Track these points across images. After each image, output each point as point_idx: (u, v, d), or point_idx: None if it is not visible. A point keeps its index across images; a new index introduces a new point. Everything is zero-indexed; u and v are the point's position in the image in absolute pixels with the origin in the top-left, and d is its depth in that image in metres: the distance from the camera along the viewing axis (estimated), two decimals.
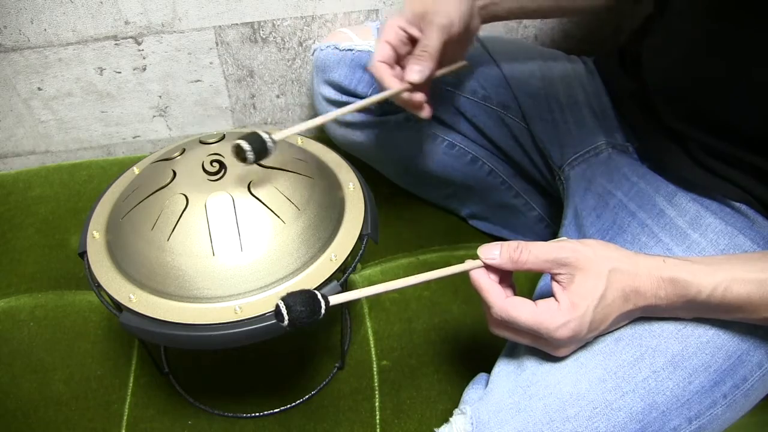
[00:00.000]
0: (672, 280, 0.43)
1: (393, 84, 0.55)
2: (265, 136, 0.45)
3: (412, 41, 0.56)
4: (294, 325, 0.39)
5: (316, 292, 0.40)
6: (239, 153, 0.45)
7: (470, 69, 0.63)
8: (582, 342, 0.45)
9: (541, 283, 0.57)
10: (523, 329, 0.43)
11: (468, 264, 0.45)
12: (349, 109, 0.56)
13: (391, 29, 0.56)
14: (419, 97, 0.56)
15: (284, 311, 0.39)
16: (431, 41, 0.54)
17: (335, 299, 0.41)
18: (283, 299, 0.39)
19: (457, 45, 0.57)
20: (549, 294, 0.44)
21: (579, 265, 0.42)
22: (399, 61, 0.57)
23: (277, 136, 0.47)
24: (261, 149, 0.45)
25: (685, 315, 0.46)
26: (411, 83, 0.54)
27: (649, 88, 0.59)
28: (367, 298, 0.71)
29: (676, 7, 0.55)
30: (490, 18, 0.61)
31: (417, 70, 0.54)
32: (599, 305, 0.42)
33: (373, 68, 0.56)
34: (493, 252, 0.44)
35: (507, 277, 0.46)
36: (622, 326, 0.47)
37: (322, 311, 0.40)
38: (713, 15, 0.50)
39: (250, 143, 0.44)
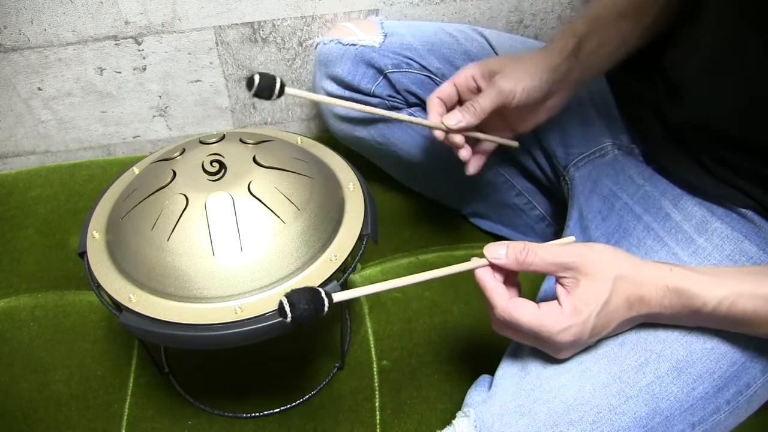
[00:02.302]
0: (677, 291, 0.42)
1: (434, 120, 0.57)
2: (277, 80, 0.49)
3: (480, 91, 0.58)
4: (297, 322, 0.39)
5: (320, 289, 0.40)
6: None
7: (518, 149, 0.65)
8: (583, 346, 0.45)
9: (546, 285, 0.57)
10: (525, 330, 0.43)
11: (473, 262, 0.45)
12: (377, 112, 0.60)
13: (464, 73, 0.58)
14: (458, 139, 0.58)
15: (288, 308, 0.38)
16: (483, 101, 0.55)
17: (339, 296, 0.41)
18: (286, 296, 0.39)
19: (523, 115, 0.59)
20: (553, 297, 0.44)
21: (584, 270, 0.42)
22: (461, 104, 0.58)
23: (290, 90, 0.51)
24: (269, 85, 0.49)
25: (689, 324, 0.46)
26: (446, 126, 0.56)
27: (660, 92, 0.58)
28: (368, 297, 0.71)
29: (706, 18, 0.53)
30: (584, 84, 0.60)
31: (455, 117, 0.56)
32: (602, 311, 0.42)
33: (429, 100, 0.58)
34: (498, 252, 0.44)
35: (512, 276, 0.46)
36: (627, 331, 0.46)
37: (326, 308, 0.40)
38: (742, 27, 0.49)
39: (261, 80, 0.49)
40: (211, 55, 0.83)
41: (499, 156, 0.75)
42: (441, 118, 0.57)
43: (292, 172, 0.50)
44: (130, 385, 0.63)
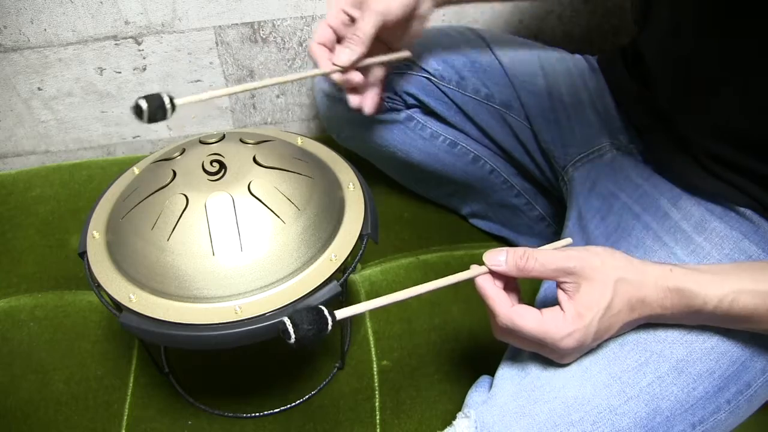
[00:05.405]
0: (678, 291, 0.42)
1: (326, 67, 0.56)
2: (165, 98, 0.46)
3: (354, 22, 0.56)
4: (301, 343, 0.38)
5: (323, 308, 0.39)
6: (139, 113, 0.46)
7: (411, 60, 0.63)
8: (586, 350, 0.45)
9: (545, 286, 0.57)
10: (528, 337, 0.43)
11: (473, 270, 0.45)
12: (260, 84, 0.56)
13: (334, 11, 0.57)
14: (356, 78, 0.57)
15: (291, 330, 0.38)
16: (364, 26, 0.54)
17: (342, 314, 0.40)
18: (289, 317, 0.38)
19: (401, 31, 0.58)
20: (553, 300, 0.44)
21: (585, 274, 0.42)
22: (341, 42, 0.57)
23: (180, 100, 0.48)
24: (159, 104, 0.46)
25: (690, 323, 0.46)
26: (338, 66, 0.55)
27: (657, 91, 0.58)
28: (368, 297, 0.71)
29: (662, 26, 0.54)
30: (444, 3, 0.61)
31: (345, 53, 0.55)
32: (605, 315, 0.42)
33: (310, 49, 0.57)
34: (498, 258, 0.44)
35: (512, 281, 0.46)
36: (627, 331, 0.46)
37: (329, 328, 0.39)
38: (703, 31, 0.50)
39: (148, 103, 0.46)
40: (211, 55, 0.83)
41: (498, 157, 0.75)
42: (330, 62, 0.56)
43: (292, 172, 0.50)
44: (130, 385, 0.63)
